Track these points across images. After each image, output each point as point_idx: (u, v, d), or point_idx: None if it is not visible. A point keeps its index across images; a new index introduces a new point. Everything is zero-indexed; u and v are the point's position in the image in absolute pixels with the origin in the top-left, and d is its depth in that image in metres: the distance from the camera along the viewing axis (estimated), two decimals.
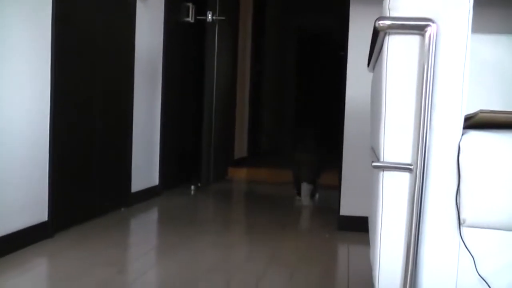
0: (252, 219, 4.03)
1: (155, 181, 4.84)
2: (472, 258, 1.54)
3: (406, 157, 1.55)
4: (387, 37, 1.56)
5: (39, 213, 3.13)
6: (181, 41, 5.30)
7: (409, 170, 1.54)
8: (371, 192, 2.06)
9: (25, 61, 2.94)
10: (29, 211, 3.04)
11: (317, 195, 4.97)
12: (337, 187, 3.81)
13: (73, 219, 3.53)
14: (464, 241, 1.54)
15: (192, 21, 5.42)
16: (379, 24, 1.53)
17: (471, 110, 2.14)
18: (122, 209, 4.16)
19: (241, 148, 8.02)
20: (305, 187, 4.72)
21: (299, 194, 4.84)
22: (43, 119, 3.12)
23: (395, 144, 1.56)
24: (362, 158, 3.69)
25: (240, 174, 6.77)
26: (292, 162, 4.86)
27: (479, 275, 1.54)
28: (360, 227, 3.65)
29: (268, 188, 5.71)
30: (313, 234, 3.58)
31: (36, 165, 3.08)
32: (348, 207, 3.72)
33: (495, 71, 2.53)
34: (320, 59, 11.22)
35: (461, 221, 1.54)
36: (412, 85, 1.54)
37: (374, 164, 1.56)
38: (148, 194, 4.64)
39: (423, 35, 1.52)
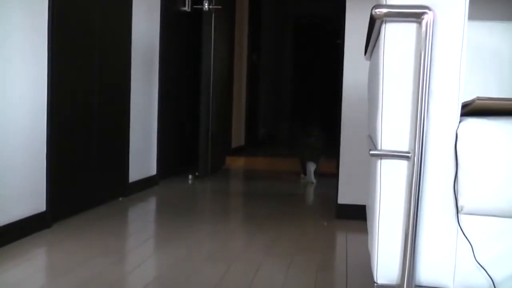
0: (250, 208, 4.04)
1: (153, 170, 4.84)
2: (470, 246, 1.54)
3: (403, 145, 1.55)
4: (383, 25, 1.55)
5: (37, 203, 3.13)
6: (177, 30, 5.29)
7: (407, 158, 1.54)
8: (369, 180, 2.07)
9: (22, 51, 2.93)
10: (27, 201, 3.04)
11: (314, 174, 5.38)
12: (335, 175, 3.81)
13: (71, 209, 3.53)
14: (462, 229, 1.54)
15: (189, 10, 5.41)
16: (375, 12, 1.52)
17: (466, 97, 2.14)
18: (120, 198, 4.16)
19: (238, 137, 8.02)
20: (310, 166, 5.27)
21: (304, 173, 5.36)
22: (41, 110, 3.12)
23: (392, 132, 1.55)
24: (359, 146, 3.69)
25: (237, 163, 6.77)
26: (298, 147, 5.54)
27: (477, 262, 1.54)
28: (358, 215, 3.65)
29: (266, 177, 5.71)
30: (311, 223, 3.59)
31: (34, 156, 3.08)
32: (346, 196, 3.73)
33: (490, 58, 2.53)
34: (317, 47, 11.20)
35: (459, 208, 1.54)
36: (409, 73, 1.54)
37: (371, 152, 1.56)
38: (146, 183, 4.64)
39: (420, 23, 1.51)
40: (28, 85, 3.00)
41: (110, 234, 3.13)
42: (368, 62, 3.60)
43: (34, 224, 3.09)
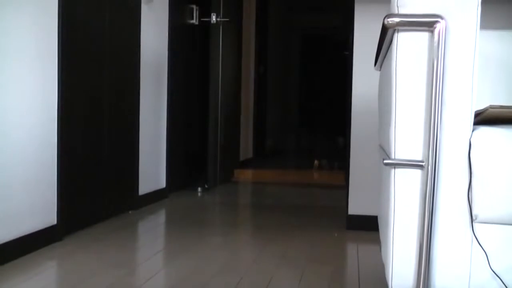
0: (260, 220, 4.03)
1: (162, 183, 4.84)
2: (485, 254, 1.54)
3: (417, 154, 1.55)
4: (396, 34, 1.56)
5: (48, 216, 3.14)
6: (185, 43, 5.31)
7: (421, 167, 1.54)
8: (381, 190, 2.06)
9: (32, 65, 2.95)
10: (38, 214, 3.05)
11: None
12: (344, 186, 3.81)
13: (82, 222, 3.53)
14: (477, 237, 1.54)
15: (196, 23, 5.43)
16: (388, 21, 1.53)
17: (477, 106, 2.14)
18: (130, 211, 4.16)
19: (246, 150, 8.02)
20: (324, 161, 7.79)
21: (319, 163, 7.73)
22: (51, 123, 3.13)
23: (406, 141, 1.56)
24: (369, 157, 3.69)
25: (246, 175, 6.77)
26: (315, 145, 8.22)
27: (492, 271, 1.53)
28: (368, 226, 3.64)
29: (274, 189, 5.71)
30: (321, 234, 3.58)
31: (44, 169, 3.09)
32: (356, 206, 3.72)
33: (501, 67, 2.53)
34: (324, 59, 11.21)
35: (473, 217, 1.53)
36: (421, 82, 1.54)
37: (385, 161, 1.56)
38: (156, 196, 4.64)
39: (432, 32, 1.52)
40: (39, 99, 3.01)
41: (121, 247, 3.13)
42: (377, 73, 3.61)
43: (45, 237, 3.09)
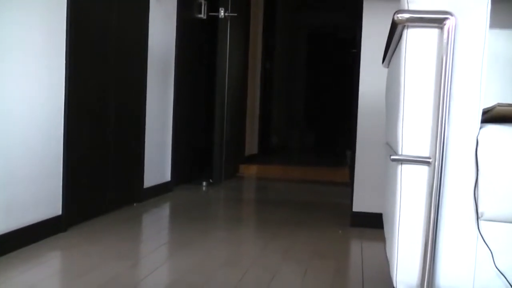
0: (264, 215, 4.04)
1: (167, 177, 4.85)
2: (490, 252, 1.54)
3: (424, 151, 1.55)
4: (405, 31, 1.55)
5: (53, 207, 3.15)
6: (193, 38, 5.31)
7: (428, 163, 1.54)
8: (387, 187, 2.06)
9: (40, 58, 2.95)
10: (43, 205, 3.06)
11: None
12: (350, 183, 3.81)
13: (87, 214, 3.54)
14: (482, 235, 1.54)
15: (205, 17, 5.43)
16: (397, 17, 1.53)
17: (485, 104, 2.14)
18: (135, 204, 4.17)
19: (251, 145, 8.02)
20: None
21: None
22: (58, 114, 3.14)
23: (413, 137, 1.55)
24: (375, 154, 3.68)
25: (251, 171, 6.77)
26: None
27: (497, 269, 1.53)
28: (373, 224, 3.64)
29: (279, 185, 5.71)
30: (326, 230, 3.58)
31: (50, 160, 3.09)
32: (361, 204, 3.72)
33: (509, 66, 2.53)
34: (330, 56, 11.20)
35: (479, 214, 1.53)
36: (430, 79, 1.54)
37: (392, 157, 1.56)
38: (160, 189, 4.65)
39: (441, 28, 1.52)
40: (46, 90, 3.02)
41: (125, 239, 3.14)
42: (384, 71, 3.60)
43: (49, 228, 3.10)
